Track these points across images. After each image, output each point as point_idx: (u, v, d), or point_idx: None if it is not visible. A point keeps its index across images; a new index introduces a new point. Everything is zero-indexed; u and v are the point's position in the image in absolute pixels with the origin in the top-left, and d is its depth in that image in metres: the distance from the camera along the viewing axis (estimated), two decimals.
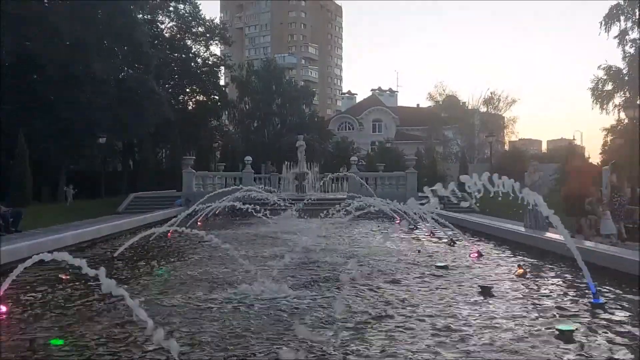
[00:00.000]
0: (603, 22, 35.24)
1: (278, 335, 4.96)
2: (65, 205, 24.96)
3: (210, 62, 49.39)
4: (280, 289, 6.73)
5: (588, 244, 9.15)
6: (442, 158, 52.69)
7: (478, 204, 18.69)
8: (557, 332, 4.91)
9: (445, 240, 12.12)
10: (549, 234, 10.77)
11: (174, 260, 9.90)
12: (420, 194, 6.17)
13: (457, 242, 11.68)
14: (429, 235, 13.28)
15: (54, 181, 30.88)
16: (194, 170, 26.49)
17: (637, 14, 34.05)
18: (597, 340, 4.79)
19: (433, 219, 11.49)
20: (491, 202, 17.90)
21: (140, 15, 37.48)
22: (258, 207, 16.01)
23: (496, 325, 5.27)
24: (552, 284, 7.37)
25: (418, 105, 71.40)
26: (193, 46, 48.36)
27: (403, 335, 4.94)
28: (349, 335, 4.95)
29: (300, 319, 5.50)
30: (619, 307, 5.98)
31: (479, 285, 7.07)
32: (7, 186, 23.85)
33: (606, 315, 5.62)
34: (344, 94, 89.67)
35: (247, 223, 17.53)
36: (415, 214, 12.11)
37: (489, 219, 15.89)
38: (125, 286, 6.99)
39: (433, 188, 5.91)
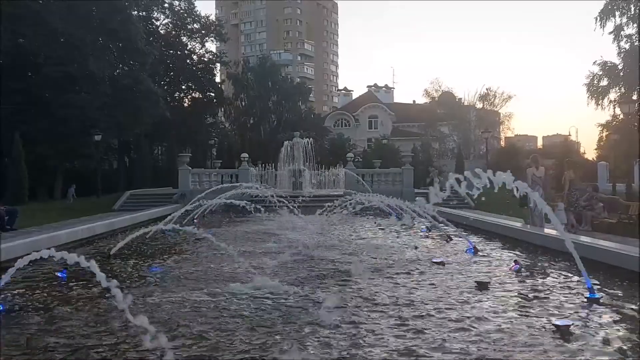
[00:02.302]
0: (598, 18, 35.27)
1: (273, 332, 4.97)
2: (68, 203, 25.00)
3: (205, 59, 49.33)
4: (277, 285, 6.74)
5: (585, 239, 9.17)
6: (438, 154, 52.81)
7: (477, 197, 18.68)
8: (553, 327, 4.93)
9: (442, 236, 12.14)
10: (545, 230, 10.80)
11: (170, 257, 9.88)
12: (416, 190, 6.19)
13: (453, 238, 11.71)
14: (426, 231, 13.31)
15: (50, 180, 30.80)
16: (189, 168, 26.43)
17: (633, 9, 34.07)
18: (593, 335, 4.80)
19: (430, 215, 11.52)
20: (487, 198, 17.99)
21: (135, 12, 37.34)
22: (254, 205, 15.99)
23: (492, 320, 5.28)
24: (548, 279, 7.39)
25: (414, 101, 71.47)
26: (188, 43, 48.31)
27: (400, 332, 4.95)
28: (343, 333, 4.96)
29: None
30: (615, 302, 6.00)
31: (476, 281, 7.09)
32: (4, 185, 23.82)
33: (602, 310, 5.64)
34: (340, 90, 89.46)
35: (244, 220, 17.53)
36: (409, 209, 12.13)
37: (485, 215, 15.91)
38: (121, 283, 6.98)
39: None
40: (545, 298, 6.28)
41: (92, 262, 4.34)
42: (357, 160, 34.19)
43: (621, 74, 34.92)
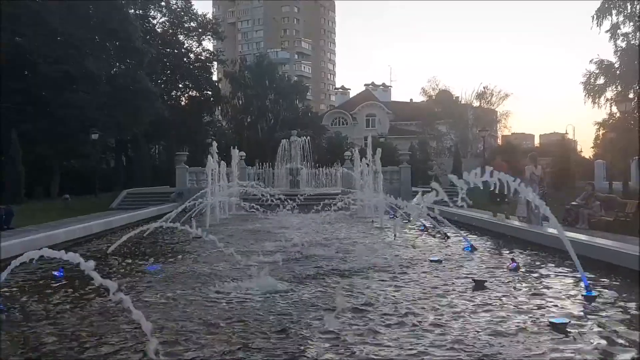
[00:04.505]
0: (595, 17, 35.34)
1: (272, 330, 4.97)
2: (66, 202, 24.95)
3: (202, 58, 49.26)
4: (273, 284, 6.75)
5: (582, 237, 9.20)
6: (435, 153, 52.80)
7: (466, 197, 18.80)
8: (550, 325, 4.94)
9: (439, 235, 12.16)
10: (542, 228, 10.83)
11: (168, 256, 9.88)
12: (414, 189, 6.22)
13: (450, 236, 11.73)
14: (424, 229, 13.33)
15: (48, 180, 30.74)
16: (187, 166, 26.41)
17: (629, 8, 34.16)
18: (589, 332, 4.82)
19: (429, 214, 11.55)
20: (483, 196, 18.00)
21: (132, 11, 37.30)
22: (252, 204, 16.07)
23: (489, 318, 5.30)
24: (545, 277, 7.41)
25: (411, 100, 71.38)
26: (185, 41, 48.24)
27: (399, 331, 4.96)
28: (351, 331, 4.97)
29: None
30: (611, 299, 6.02)
31: (473, 279, 7.11)
32: (1, 185, 23.80)
33: (599, 308, 5.66)
34: (338, 89, 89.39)
35: (243, 218, 17.56)
36: (406, 207, 12.16)
37: (481, 213, 15.93)
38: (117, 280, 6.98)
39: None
40: (541, 296, 6.30)
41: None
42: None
43: (618, 72, 35.02)
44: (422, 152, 46.66)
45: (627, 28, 34.48)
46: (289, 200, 18.70)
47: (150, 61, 36.63)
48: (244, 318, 5.38)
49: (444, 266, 8.36)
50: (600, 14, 35.10)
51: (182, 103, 49.69)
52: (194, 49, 48.94)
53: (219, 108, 53.96)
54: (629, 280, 6.75)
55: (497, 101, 59.12)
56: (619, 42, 34.66)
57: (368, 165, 18.34)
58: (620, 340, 4.60)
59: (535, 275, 7.63)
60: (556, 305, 5.82)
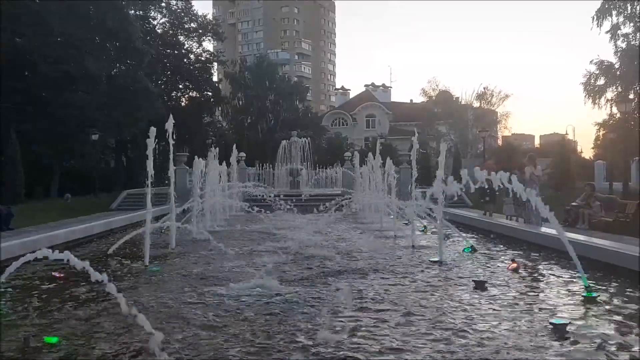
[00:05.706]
0: (595, 17, 35.34)
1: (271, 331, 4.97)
2: (66, 202, 24.96)
3: (203, 58, 49.24)
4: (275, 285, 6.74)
5: (582, 237, 9.20)
6: (435, 153, 52.75)
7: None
8: (550, 326, 4.94)
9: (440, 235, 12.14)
10: (542, 229, 10.84)
11: (168, 256, 9.88)
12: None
13: (450, 237, 11.73)
14: (423, 230, 13.33)
15: (47, 179, 30.74)
16: (187, 167, 26.40)
17: (629, 8, 34.16)
18: (589, 333, 4.81)
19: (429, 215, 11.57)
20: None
21: (132, 11, 37.30)
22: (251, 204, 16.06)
23: (490, 319, 5.30)
24: (545, 278, 7.42)
25: (411, 100, 71.40)
26: (185, 42, 48.23)
27: (396, 332, 4.96)
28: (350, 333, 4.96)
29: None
30: (611, 300, 6.02)
31: (473, 280, 7.10)
32: (0, 185, 23.79)
33: (599, 309, 5.66)
34: (338, 89, 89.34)
35: (243, 219, 17.55)
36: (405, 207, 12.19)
37: (480, 213, 15.94)
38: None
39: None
40: (542, 296, 6.30)
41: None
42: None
43: (618, 73, 35.01)
44: (422, 152, 46.67)
45: (627, 29, 34.50)
46: (289, 201, 18.67)
47: (150, 62, 36.62)
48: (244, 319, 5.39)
49: (443, 267, 8.36)
50: (601, 15, 35.08)
51: (183, 104, 49.67)
52: (194, 50, 48.98)
53: (219, 109, 53.96)
54: (629, 281, 6.75)
55: (497, 102, 59.08)
56: (619, 42, 34.67)
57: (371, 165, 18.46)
58: (620, 341, 4.60)
59: (536, 275, 7.63)
60: (556, 306, 5.82)
